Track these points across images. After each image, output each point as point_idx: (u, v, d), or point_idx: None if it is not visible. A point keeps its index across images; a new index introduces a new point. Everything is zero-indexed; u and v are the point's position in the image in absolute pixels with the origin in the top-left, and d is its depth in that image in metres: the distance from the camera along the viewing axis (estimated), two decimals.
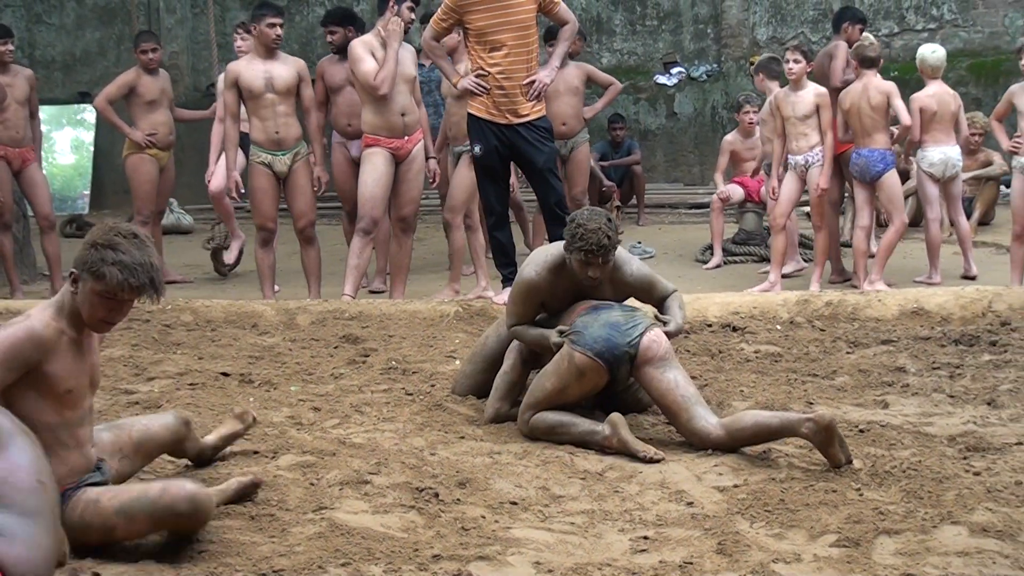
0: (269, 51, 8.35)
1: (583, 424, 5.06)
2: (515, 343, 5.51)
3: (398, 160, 8.36)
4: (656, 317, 5.32)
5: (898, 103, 8.48)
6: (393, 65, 8.10)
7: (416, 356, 6.64)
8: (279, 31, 8.35)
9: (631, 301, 5.48)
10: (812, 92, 8.59)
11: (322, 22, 9.70)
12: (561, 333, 5.13)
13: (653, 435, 5.19)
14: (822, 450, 4.60)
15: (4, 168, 9.13)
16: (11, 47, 9.17)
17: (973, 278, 8.82)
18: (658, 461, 4.77)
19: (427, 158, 8.64)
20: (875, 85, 8.52)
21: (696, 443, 4.93)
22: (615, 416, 4.95)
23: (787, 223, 8.91)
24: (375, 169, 8.28)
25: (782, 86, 8.93)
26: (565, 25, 7.85)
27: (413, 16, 8.37)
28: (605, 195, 11.96)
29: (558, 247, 5.34)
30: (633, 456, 4.82)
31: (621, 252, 5.34)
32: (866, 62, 8.59)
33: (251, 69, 8.33)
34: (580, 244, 5.05)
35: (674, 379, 5.01)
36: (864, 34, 9.03)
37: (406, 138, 8.35)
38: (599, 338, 5.01)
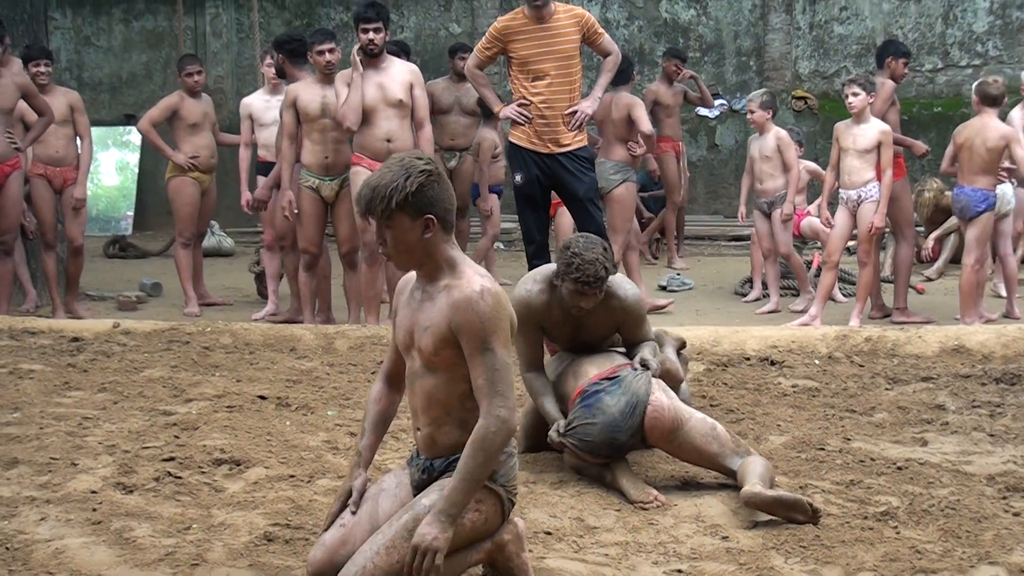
0: (326, 76, 8.41)
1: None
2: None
3: None
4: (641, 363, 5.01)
5: (1019, 152, 8.28)
6: (355, 98, 8.05)
7: None
8: (328, 56, 8.39)
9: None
10: (876, 128, 8.44)
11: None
12: (560, 433, 4.91)
13: (689, 467, 5.16)
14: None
15: (45, 186, 9.23)
16: (45, 69, 9.23)
17: (1017, 319, 8.72)
18: (650, 508, 4.62)
19: None
20: (994, 127, 8.35)
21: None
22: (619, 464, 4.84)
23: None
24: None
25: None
26: (608, 56, 7.86)
27: (369, 37, 8.09)
28: (645, 226, 12.03)
29: (546, 269, 5.20)
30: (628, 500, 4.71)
31: (615, 277, 5.12)
32: (987, 100, 8.41)
33: (309, 92, 8.39)
34: (575, 275, 4.86)
35: (692, 443, 4.79)
36: (993, 77, 8.85)
37: None
38: (604, 444, 4.81)
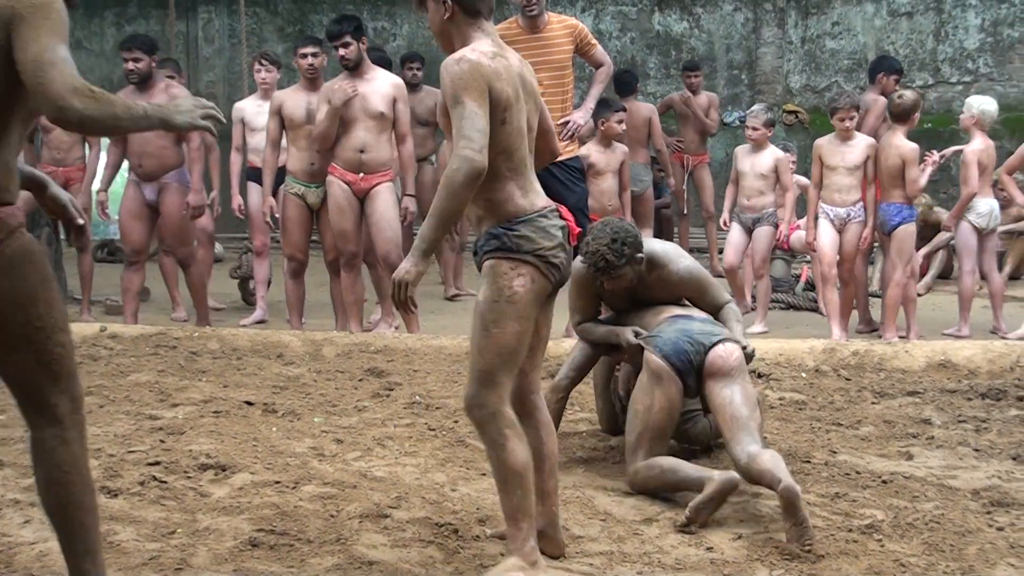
0: (310, 82, 8.42)
1: (692, 470, 4.79)
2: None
3: (357, 196, 8.24)
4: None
5: (912, 171, 8.30)
6: (322, 128, 8.07)
7: (440, 391, 6.65)
8: (310, 60, 8.42)
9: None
10: (864, 143, 8.46)
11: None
12: (637, 335, 5.12)
13: None
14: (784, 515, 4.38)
15: None
16: None
17: (1005, 336, 8.73)
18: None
19: (404, 194, 8.46)
20: (896, 144, 8.35)
21: (733, 467, 4.74)
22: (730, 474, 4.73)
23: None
24: (332, 203, 8.23)
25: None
26: (600, 67, 7.89)
27: (340, 53, 8.09)
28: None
29: None
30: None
31: (667, 250, 5.33)
32: (894, 116, 8.44)
33: (294, 99, 8.39)
34: (586, 259, 5.09)
35: (730, 396, 4.81)
36: (900, 92, 8.86)
37: (360, 175, 8.18)
38: (669, 341, 4.96)
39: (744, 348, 5.03)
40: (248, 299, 10.30)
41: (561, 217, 4.06)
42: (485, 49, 3.90)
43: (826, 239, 8.65)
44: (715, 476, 4.53)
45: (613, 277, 5.10)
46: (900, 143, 8.36)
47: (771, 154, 9.26)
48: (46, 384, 3.30)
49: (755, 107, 9.87)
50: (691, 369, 4.92)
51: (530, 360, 4.11)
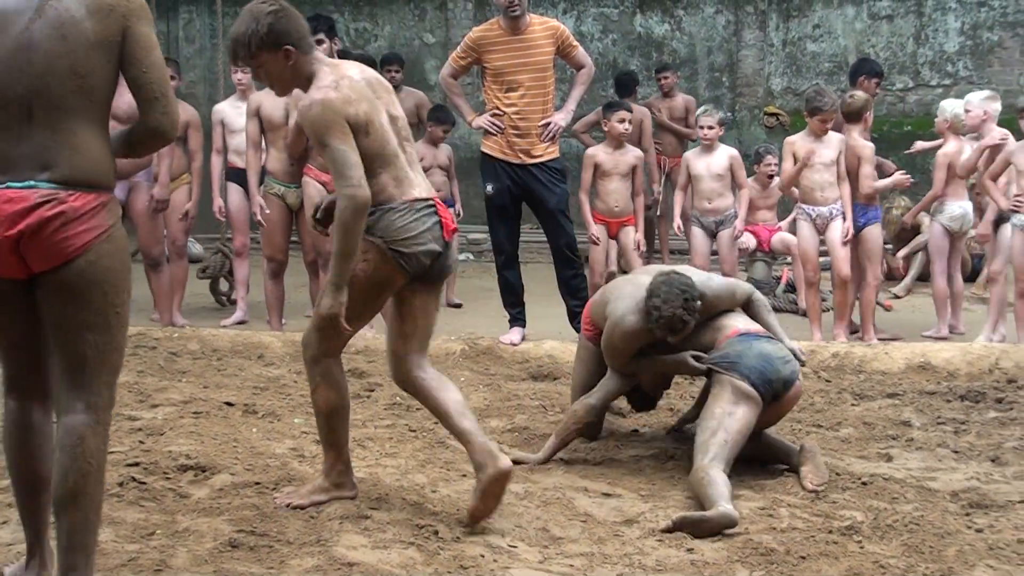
0: None
1: (714, 490, 4.72)
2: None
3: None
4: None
5: (866, 168, 8.33)
6: (290, 136, 8.06)
7: None
8: None
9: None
10: (837, 139, 8.39)
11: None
12: (698, 359, 5.17)
13: (655, 479, 5.18)
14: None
15: None
16: None
17: (961, 333, 8.75)
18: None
19: None
20: (851, 145, 8.36)
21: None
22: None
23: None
24: (309, 203, 8.09)
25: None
26: (582, 69, 7.89)
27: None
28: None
29: (639, 296, 5.28)
30: None
31: (700, 279, 5.33)
32: (847, 116, 8.43)
33: (272, 100, 8.36)
34: (662, 323, 5.08)
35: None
36: (852, 92, 8.85)
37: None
38: (755, 370, 5.03)
39: (803, 364, 5.39)
40: (219, 299, 10.25)
41: (436, 212, 4.39)
42: (327, 82, 4.24)
43: (809, 242, 8.53)
44: (721, 507, 4.53)
45: (686, 332, 5.17)
46: (856, 143, 8.37)
47: (724, 153, 9.17)
48: (99, 371, 3.44)
49: (705, 106, 9.77)
50: (771, 397, 5.09)
51: (404, 344, 4.57)
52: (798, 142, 8.46)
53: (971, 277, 10.66)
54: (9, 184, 3.30)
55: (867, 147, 8.38)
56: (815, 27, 15.16)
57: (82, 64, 3.34)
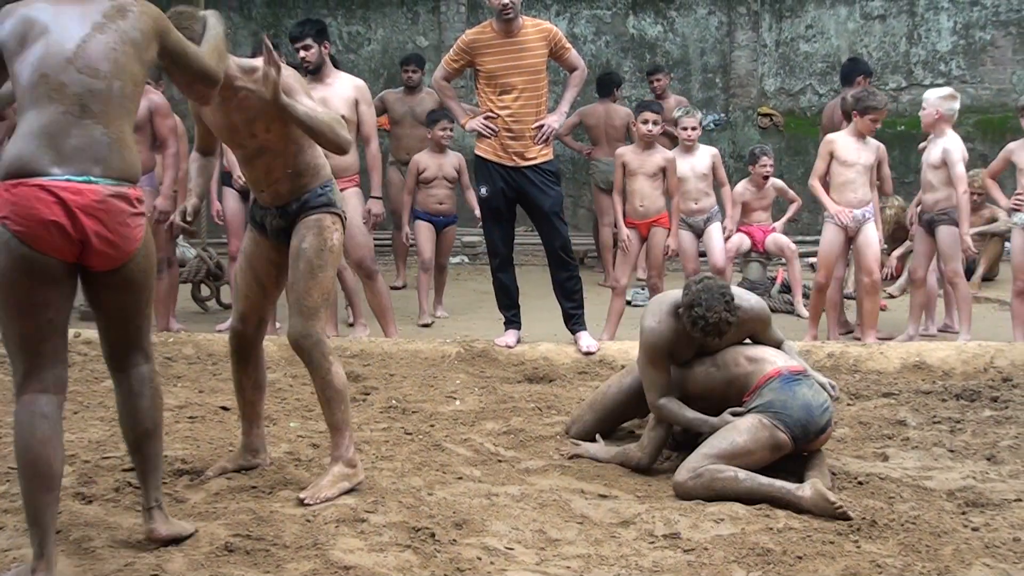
0: None
1: (771, 482, 4.86)
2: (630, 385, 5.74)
3: None
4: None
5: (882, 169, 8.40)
6: None
7: (416, 396, 6.64)
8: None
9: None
10: (875, 144, 8.36)
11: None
12: (736, 414, 5.11)
13: (651, 481, 5.18)
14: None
15: None
16: None
17: (956, 332, 8.75)
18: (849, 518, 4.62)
19: (370, 196, 8.28)
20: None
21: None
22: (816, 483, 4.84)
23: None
24: None
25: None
26: (575, 71, 7.89)
27: (301, 56, 8.05)
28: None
29: (665, 302, 5.32)
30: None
31: (736, 291, 5.32)
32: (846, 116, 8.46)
33: None
34: (704, 328, 5.07)
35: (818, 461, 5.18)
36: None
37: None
38: (799, 423, 5.03)
39: (835, 399, 5.43)
40: (202, 305, 10.25)
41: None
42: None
43: (833, 247, 8.38)
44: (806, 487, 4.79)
45: (729, 332, 5.18)
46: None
47: (706, 152, 9.09)
48: (144, 325, 4.09)
49: (685, 107, 9.66)
50: (808, 437, 5.10)
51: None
52: (839, 140, 8.37)
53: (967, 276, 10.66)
54: (69, 178, 3.67)
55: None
56: (808, 27, 15.20)
57: (129, 72, 3.84)
